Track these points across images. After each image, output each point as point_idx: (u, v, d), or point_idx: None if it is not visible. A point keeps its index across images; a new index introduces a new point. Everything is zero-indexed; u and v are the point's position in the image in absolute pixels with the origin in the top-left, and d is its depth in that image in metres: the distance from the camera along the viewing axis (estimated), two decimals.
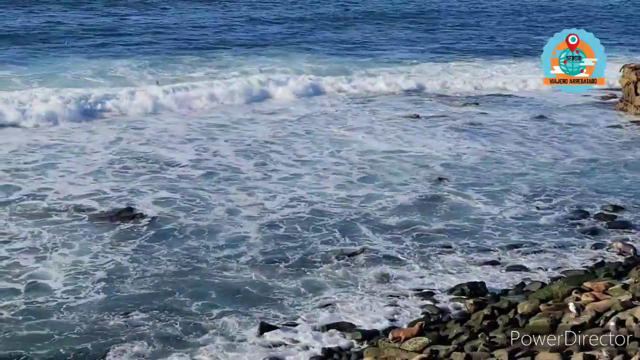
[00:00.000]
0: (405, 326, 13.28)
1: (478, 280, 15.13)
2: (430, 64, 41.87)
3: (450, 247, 17.06)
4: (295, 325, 13.47)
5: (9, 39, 41.99)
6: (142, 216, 18.14)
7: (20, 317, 13.48)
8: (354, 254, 16.49)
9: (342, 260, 16.12)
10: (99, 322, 13.39)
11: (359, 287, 14.98)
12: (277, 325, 13.37)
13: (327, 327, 13.38)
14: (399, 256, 16.47)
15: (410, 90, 35.47)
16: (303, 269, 15.74)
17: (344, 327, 13.35)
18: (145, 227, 17.59)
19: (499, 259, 16.48)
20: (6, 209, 18.47)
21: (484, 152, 24.82)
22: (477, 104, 32.89)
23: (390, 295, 14.63)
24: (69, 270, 15.30)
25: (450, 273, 15.71)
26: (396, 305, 14.22)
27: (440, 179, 21.61)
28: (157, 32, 47.46)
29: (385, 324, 13.54)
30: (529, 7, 71.10)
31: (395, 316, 13.85)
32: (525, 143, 26.24)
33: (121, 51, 41.01)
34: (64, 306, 13.88)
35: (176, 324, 13.36)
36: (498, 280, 15.45)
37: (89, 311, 13.72)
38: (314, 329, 13.34)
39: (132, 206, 18.73)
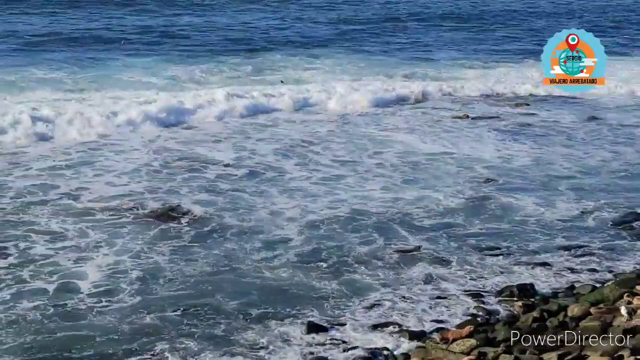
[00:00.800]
0: (452, 327, 13.09)
1: (527, 282, 14.86)
2: (480, 64, 41.48)
3: (497, 248, 16.79)
4: (341, 325, 13.30)
5: (65, 41, 42.22)
6: (188, 214, 18.10)
7: (51, 318, 13.28)
8: (407, 251, 16.37)
9: (385, 261, 15.92)
10: (139, 321, 13.26)
11: (404, 288, 14.76)
12: (324, 325, 13.23)
13: (373, 327, 13.23)
14: (445, 257, 16.23)
15: (458, 90, 35.03)
16: (346, 269, 15.56)
17: (390, 327, 13.18)
18: (190, 227, 17.51)
19: (547, 261, 16.16)
20: (47, 207, 18.44)
21: (533, 154, 24.44)
22: (527, 104, 32.43)
23: (438, 297, 14.40)
24: (109, 269, 15.24)
25: (497, 275, 15.44)
26: (443, 306, 14.02)
27: (487, 180, 21.34)
28: (209, 33, 47.65)
29: (433, 324, 13.34)
30: (583, 8, 70.24)
31: (443, 317, 13.64)
32: (574, 145, 25.81)
33: (174, 52, 41.17)
34: (102, 307, 13.75)
35: (220, 324, 13.23)
36: (546, 282, 15.16)
37: (130, 311, 13.61)
38: (360, 328, 13.17)
39: (177, 205, 18.69)
